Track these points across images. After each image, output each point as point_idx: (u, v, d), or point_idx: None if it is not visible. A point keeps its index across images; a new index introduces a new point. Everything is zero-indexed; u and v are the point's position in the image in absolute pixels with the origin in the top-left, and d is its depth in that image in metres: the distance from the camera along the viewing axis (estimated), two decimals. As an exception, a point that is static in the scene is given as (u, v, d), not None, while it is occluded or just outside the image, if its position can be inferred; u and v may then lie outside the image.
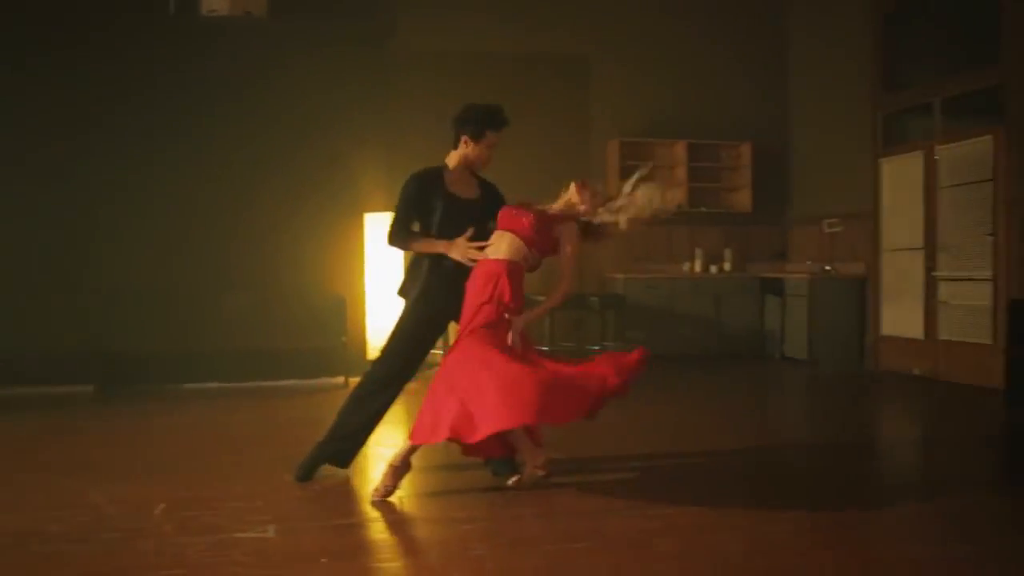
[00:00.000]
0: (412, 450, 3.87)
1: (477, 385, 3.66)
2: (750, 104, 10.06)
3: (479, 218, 4.11)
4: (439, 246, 4.04)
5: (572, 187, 4.24)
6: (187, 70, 7.74)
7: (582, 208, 4.18)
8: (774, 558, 3.14)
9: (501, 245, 4.00)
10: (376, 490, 3.84)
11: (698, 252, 9.80)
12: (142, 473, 4.46)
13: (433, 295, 4.11)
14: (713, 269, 9.75)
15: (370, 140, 8.23)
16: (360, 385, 4.26)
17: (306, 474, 4.18)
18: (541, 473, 4.03)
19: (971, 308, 7.39)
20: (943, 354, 7.72)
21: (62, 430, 5.88)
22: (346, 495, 4.07)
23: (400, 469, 3.87)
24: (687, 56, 9.89)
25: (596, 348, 7.96)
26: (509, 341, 3.85)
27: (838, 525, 3.55)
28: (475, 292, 3.94)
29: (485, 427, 3.61)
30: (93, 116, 7.51)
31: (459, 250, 4.00)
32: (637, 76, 9.76)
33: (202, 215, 7.76)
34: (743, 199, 9.94)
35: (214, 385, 7.55)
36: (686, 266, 9.81)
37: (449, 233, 4.05)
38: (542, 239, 4.03)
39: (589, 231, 4.21)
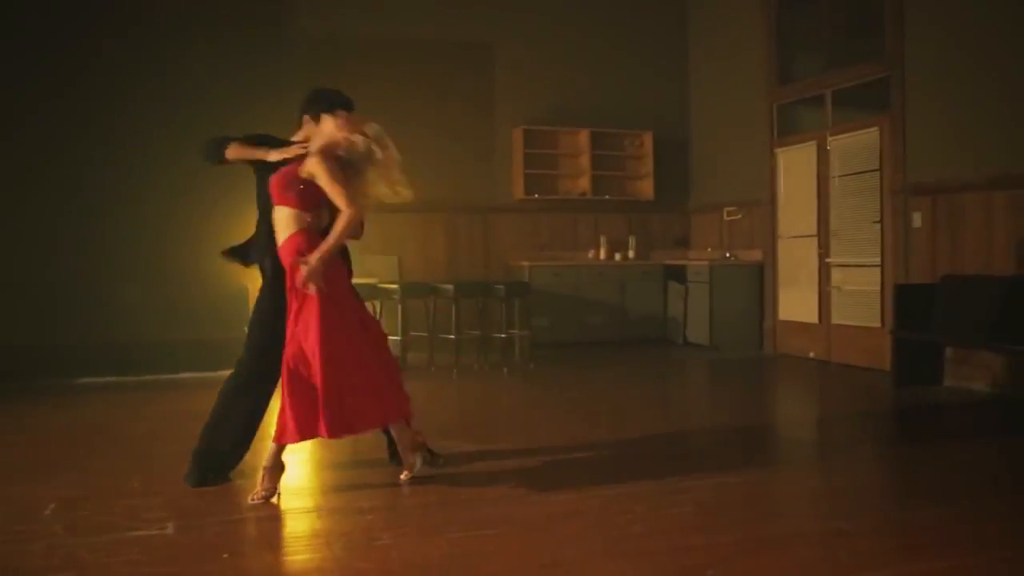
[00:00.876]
0: (281, 449, 3.79)
1: (347, 382, 3.68)
2: (652, 93, 10.22)
3: None
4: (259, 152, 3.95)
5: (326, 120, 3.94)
6: (86, 51, 7.44)
7: (339, 137, 3.87)
8: (677, 537, 3.22)
9: (279, 224, 3.82)
10: (255, 494, 3.72)
11: (603, 240, 9.93)
12: (30, 473, 4.28)
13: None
14: (617, 256, 9.89)
15: (270, 126, 8.02)
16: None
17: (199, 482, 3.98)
18: (418, 471, 3.93)
19: (861, 293, 7.70)
20: (835, 337, 8.03)
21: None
22: (248, 489, 3.98)
23: (275, 470, 3.78)
24: (590, 45, 9.98)
25: (503, 336, 7.98)
26: (304, 285, 3.65)
27: (739, 504, 3.66)
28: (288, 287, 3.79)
29: (360, 425, 3.74)
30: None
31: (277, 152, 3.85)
32: (541, 64, 9.81)
33: (100, 204, 7.49)
34: (646, 187, 10.11)
35: (112, 379, 7.28)
36: (591, 253, 9.93)
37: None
38: (304, 193, 3.77)
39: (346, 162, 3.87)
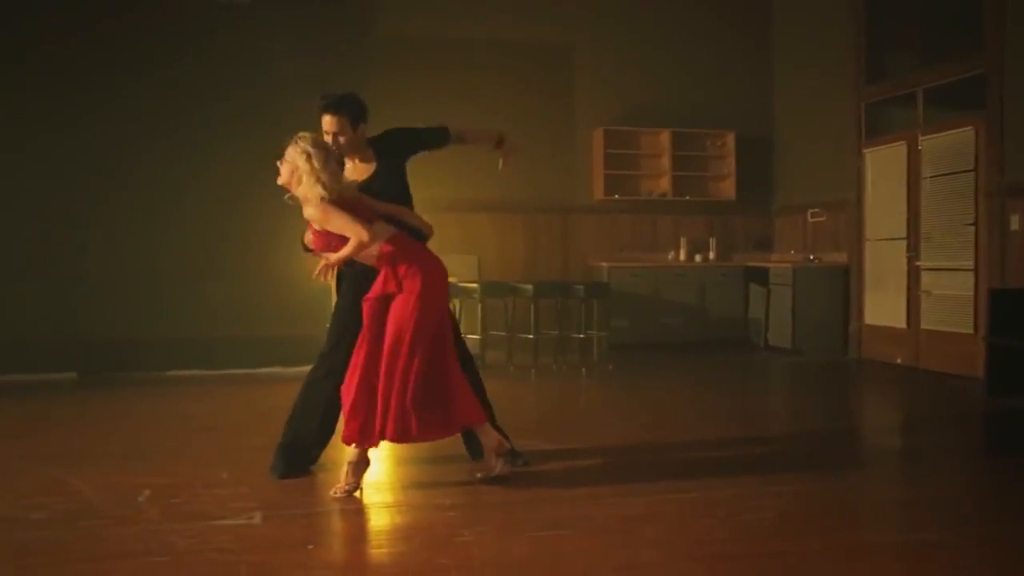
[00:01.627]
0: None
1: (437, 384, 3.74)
2: (735, 93, 10.07)
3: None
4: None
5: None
6: (174, 59, 7.69)
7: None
8: (758, 544, 3.17)
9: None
10: (338, 488, 3.78)
11: (683, 241, 9.83)
12: (125, 460, 4.45)
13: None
14: (698, 258, 9.78)
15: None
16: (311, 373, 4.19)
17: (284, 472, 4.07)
18: (499, 472, 3.92)
19: (952, 298, 7.45)
20: (925, 343, 7.78)
21: (44, 417, 5.85)
22: (331, 483, 4.07)
23: (359, 465, 3.84)
24: (671, 44, 9.89)
25: (581, 336, 7.98)
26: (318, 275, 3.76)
27: (821, 511, 3.59)
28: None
29: (423, 435, 3.76)
30: (76, 105, 7.46)
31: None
32: (621, 64, 9.76)
33: (188, 203, 7.73)
34: (727, 188, 9.97)
35: (198, 372, 7.52)
36: (671, 255, 9.84)
37: None
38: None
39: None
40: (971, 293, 7.21)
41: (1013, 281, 6.70)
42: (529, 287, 7.83)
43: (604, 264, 9.32)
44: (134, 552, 3.07)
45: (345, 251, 3.71)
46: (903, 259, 8.01)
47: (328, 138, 4.05)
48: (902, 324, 8.04)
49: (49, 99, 7.42)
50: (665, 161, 9.83)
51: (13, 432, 5.33)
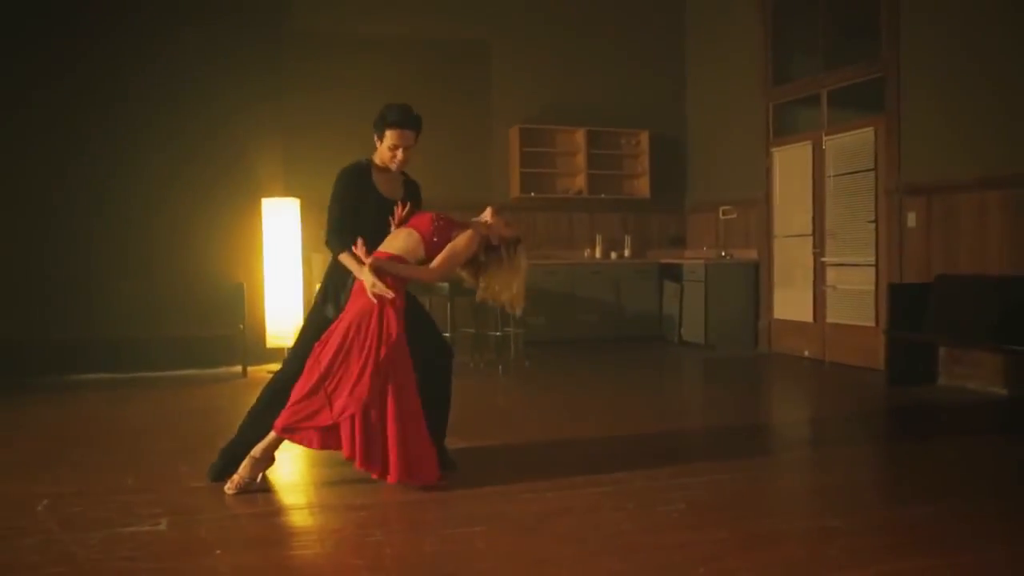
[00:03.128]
0: (278, 443, 3.80)
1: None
2: (648, 92, 10.24)
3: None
4: (363, 273, 3.79)
5: (488, 210, 4.17)
6: (79, 55, 7.45)
7: (489, 222, 4.07)
8: (668, 534, 3.23)
9: (396, 241, 3.90)
10: (232, 482, 3.74)
11: (598, 238, 9.95)
12: (23, 469, 4.29)
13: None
14: (613, 255, 9.91)
15: (267, 125, 8.09)
16: (268, 387, 4.07)
17: (218, 475, 3.96)
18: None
19: (855, 292, 7.72)
20: (830, 336, 8.05)
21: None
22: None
23: (261, 462, 3.80)
24: (587, 43, 9.99)
25: (497, 334, 8.00)
26: (370, 285, 3.70)
27: (730, 501, 3.68)
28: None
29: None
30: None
31: (369, 286, 3.76)
32: (537, 62, 9.82)
33: (94, 201, 7.50)
34: (642, 186, 10.13)
35: (106, 376, 7.29)
36: (586, 252, 9.94)
37: (370, 232, 3.91)
38: (440, 241, 3.92)
39: (485, 248, 4.07)
40: (872, 288, 7.48)
41: (911, 276, 6.98)
42: (445, 285, 7.80)
43: (521, 262, 9.35)
44: (31, 564, 2.96)
45: (403, 269, 3.82)
46: (809, 255, 8.27)
47: (396, 152, 4.03)
48: (809, 318, 8.30)
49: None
50: (580, 159, 9.93)
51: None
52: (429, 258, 3.88)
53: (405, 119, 4.02)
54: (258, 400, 4.07)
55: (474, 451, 4.55)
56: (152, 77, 7.63)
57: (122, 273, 7.57)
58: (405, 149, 4.04)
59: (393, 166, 4.09)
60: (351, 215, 3.97)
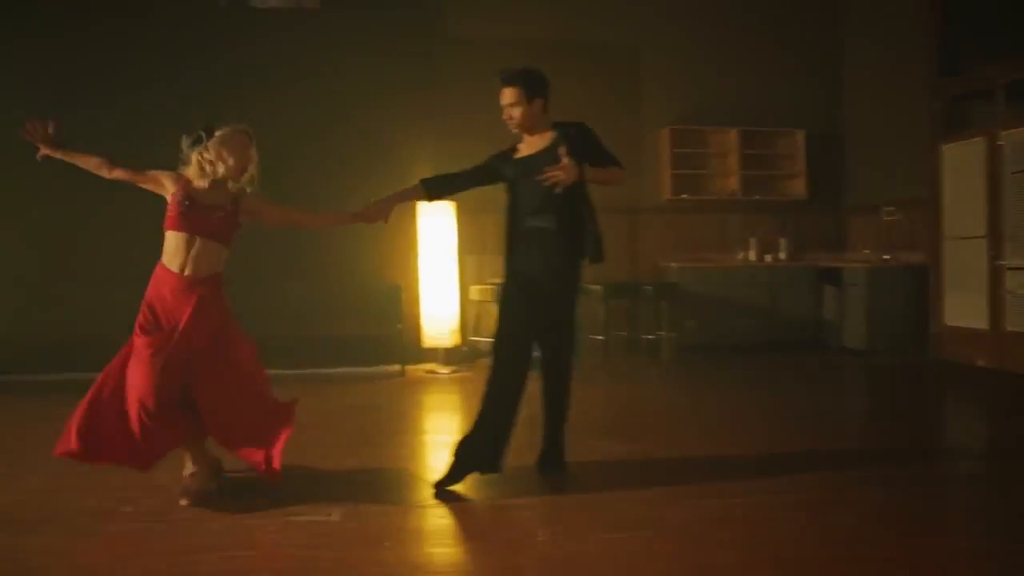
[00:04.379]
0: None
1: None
2: (804, 89, 9.90)
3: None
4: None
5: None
6: (238, 62, 7.87)
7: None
8: (835, 546, 3.12)
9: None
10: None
11: (752, 241, 9.70)
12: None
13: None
14: (768, 258, 9.64)
15: (420, 129, 8.30)
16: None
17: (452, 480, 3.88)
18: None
19: (1037, 297, 7.21)
20: (1011, 345, 7.54)
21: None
22: (409, 480, 4.13)
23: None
24: (739, 41, 9.76)
25: (651, 337, 7.93)
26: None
27: (899, 518, 3.51)
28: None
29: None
30: (142, 108, 7.64)
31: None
32: (688, 63, 9.67)
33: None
34: (798, 187, 9.81)
35: (272, 372, 7.65)
36: (740, 255, 9.72)
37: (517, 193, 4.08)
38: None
39: None
40: (1057, 293, 6.97)
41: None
42: (598, 288, 7.82)
43: (673, 264, 9.25)
44: (220, 545, 3.16)
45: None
46: (984, 258, 7.78)
47: (506, 114, 4.09)
48: (984, 325, 7.80)
49: (115, 103, 7.58)
50: (734, 160, 9.71)
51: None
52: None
53: (501, 78, 4.04)
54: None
55: (633, 455, 4.53)
56: (311, 82, 7.97)
57: (288, 274, 7.94)
58: (510, 107, 4.04)
59: (512, 127, 4.11)
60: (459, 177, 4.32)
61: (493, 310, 7.80)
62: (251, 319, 7.61)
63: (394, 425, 5.70)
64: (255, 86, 7.89)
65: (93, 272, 7.63)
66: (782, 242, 9.73)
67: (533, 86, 4.04)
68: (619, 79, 9.56)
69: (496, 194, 8.83)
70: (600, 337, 7.76)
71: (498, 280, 7.99)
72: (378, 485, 4.02)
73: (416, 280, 7.89)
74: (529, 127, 4.11)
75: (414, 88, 8.24)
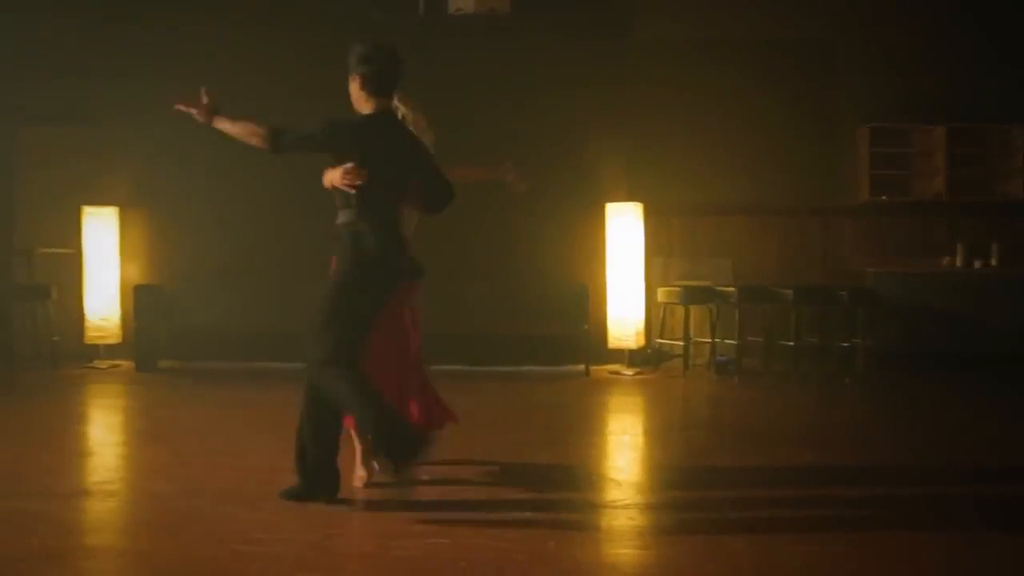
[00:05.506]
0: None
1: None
2: (1019, 82, 9.15)
3: None
4: None
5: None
6: (436, 68, 8.18)
7: None
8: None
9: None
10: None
11: (959, 246, 9.07)
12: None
13: None
14: (977, 264, 8.99)
15: (611, 130, 8.33)
16: None
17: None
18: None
19: None
20: None
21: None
22: (597, 479, 4.18)
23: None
24: (944, 32, 9.13)
25: (844, 345, 7.61)
26: None
27: None
28: None
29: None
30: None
31: None
32: (888, 57, 9.13)
33: (457, 210, 8.18)
34: (1013, 187, 9.10)
35: (458, 367, 7.93)
36: (945, 260, 9.12)
37: None
38: None
39: None
40: None
41: None
42: (789, 292, 7.57)
43: (869, 269, 8.81)
44: (418, 532, 3.31)
45: None
46: None
47: None
48: None
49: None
50: (939, 159, 9.12)
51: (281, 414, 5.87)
52: None
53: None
54: None
55: (828, 466, 4.37)
56: (500, 84, 8.17)
57: (475, 274, 8.19)
58: None
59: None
60: None
61: (679, 312, 7.84)
62: (438, 317, 8.00)
63: (581, 424, 5.77)
64: (451, 91, 8.21)
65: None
66: (994, 247, 9.05)
67: (350, 64, 3.82)
68: (812, 76, 9.18)
69: (682, 195, 8.80)
70: (790, 343, 7.52)
71: (685, 282, 7.95)
72: (568, 483, 4.08)
73: (603, 281, 7.93)
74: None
75: (605, 90, 8.29)
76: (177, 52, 8.04)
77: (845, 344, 7.62)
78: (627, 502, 3.78)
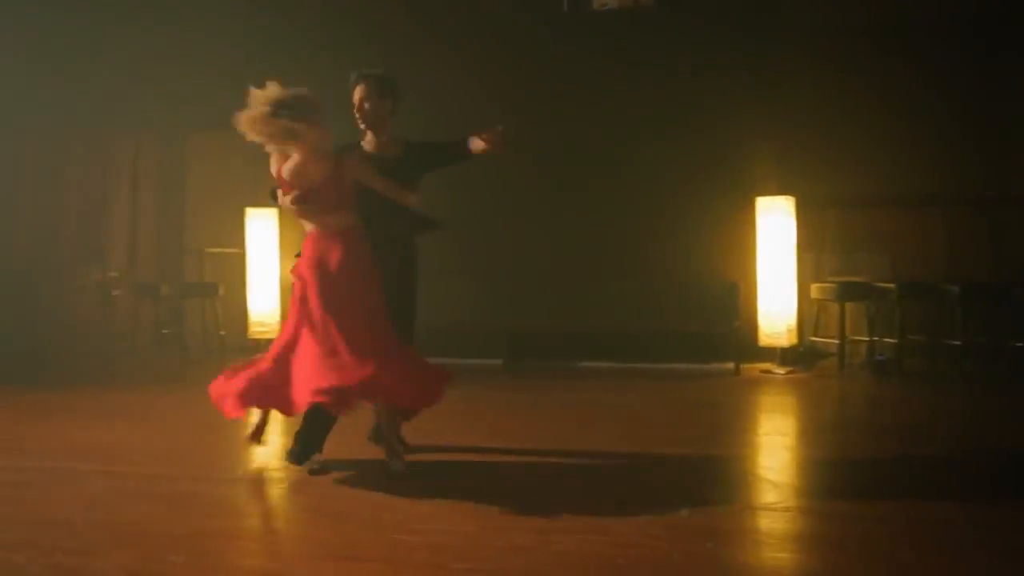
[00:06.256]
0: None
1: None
2: None
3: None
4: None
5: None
6: (581, 64, 8.19)
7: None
8: None
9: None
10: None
11: None
12: (547, 442, 4.83)
13: None
14: None
15: (761, 121, 8.11)
16: None
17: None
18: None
19: None
20: None
21: (473, 399, 6.50)
22: (752, 480, 4.07)
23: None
24: None
25: (1019, 345, 7.11)
26: None
27: None
28: None
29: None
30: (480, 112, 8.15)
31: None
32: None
33: (598, 204, 8.19)
34: None
35: (607, 365, 7.90)
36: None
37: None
38: None
39: None
40: None
41: None
42: (955, 288, 7.15)
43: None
44: (578, 528, 3.31)
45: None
46: None
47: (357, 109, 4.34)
48: None
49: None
50: None
51: (458, 410, 6.00)
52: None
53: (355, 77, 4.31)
54: None
55: (1007, 474, 4.10)
56: (646, 78, 8.07)
57: (621, 272, 8.14)
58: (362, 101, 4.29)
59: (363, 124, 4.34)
60: None
61: (833, 309, 7.54)
62: (588, 315, 8.03)
63: (733, 423, 5.65)
64: (596, 87, 8.21)
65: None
66: None
67: (384, 87, 4.33)
68: (973, 58, 8.59)
69: (836, 187, 8.40)
70: (956, 343, 7.11)
71: (840, 278, 7.63)
72: (722, 482, 4.00)
73: (753, 277, 7.71)
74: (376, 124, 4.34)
75: (754, 80, 8.08)
76: (328, 65, 8.37)
77: (1019, 344, 7.12)
78: (786, 504, 3.66)
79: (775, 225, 7.61)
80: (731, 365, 7.51)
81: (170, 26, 9.27)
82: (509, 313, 8.15)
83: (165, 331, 9.02)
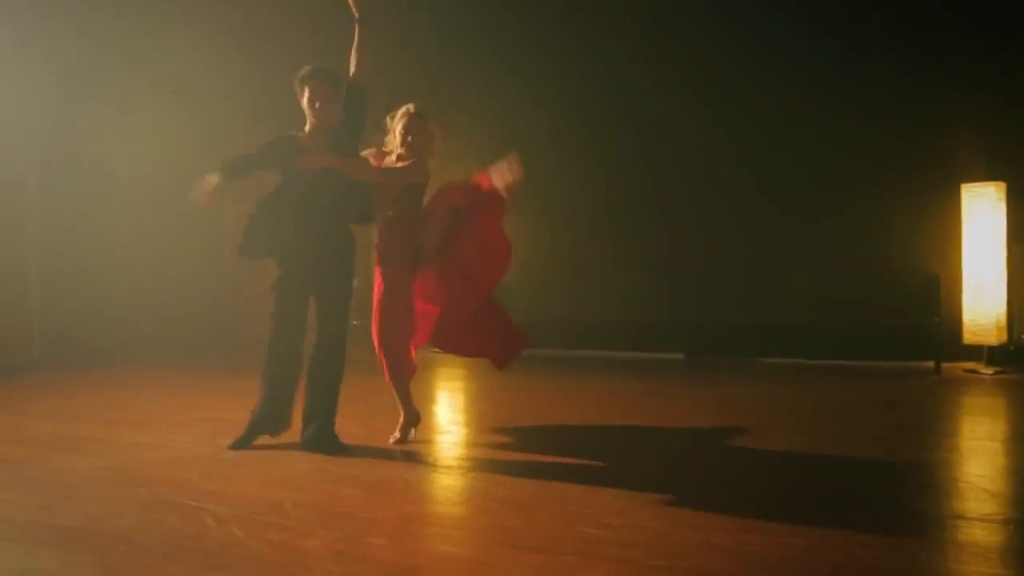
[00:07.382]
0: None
1: None
2: None
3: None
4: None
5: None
6: (777, 46, 7.94)
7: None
8: None
9: None
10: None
11: None
12: (734, 437, 4.71)
13: None
14: None
15: (966, 101, 7.57)
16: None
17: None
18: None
19: None
20: None
21: (658, 392, 6.45)
22: (964, 486, 3.81)
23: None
24: None
25: None
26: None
27: None
28: None
29: None
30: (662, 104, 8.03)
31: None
32: None
33: (786, 191, 7.90)
34: None
35: (791, 361, 7.62)
36: None
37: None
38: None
39: None
40: None
41: None
42: None
43: None
44: (768, 530, 3.20)
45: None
46: None
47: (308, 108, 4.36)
48: None
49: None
50: None
51: (643, 404, 5.97)
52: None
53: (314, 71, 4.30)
54: None
55: None
56: (844, 64, 7.71)
57: (809, 261, 7.82)
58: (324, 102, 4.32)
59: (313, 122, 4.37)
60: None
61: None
62: (761, 306, 7.76)
63: (935, 425, 5.32)
64: (789, 71, 7.91)
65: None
66: None
67: (339, 84, 4.36)
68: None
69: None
70: None
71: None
72: (928, 488, 3.77)
73: (957, 270, 7.22)
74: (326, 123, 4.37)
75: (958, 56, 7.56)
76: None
77: None
78: (1006, 516, 3.39)
79: (983, 213, 7.09)
80: (930, 363, 7.07)
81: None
82: (690, 306, 8.01)
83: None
